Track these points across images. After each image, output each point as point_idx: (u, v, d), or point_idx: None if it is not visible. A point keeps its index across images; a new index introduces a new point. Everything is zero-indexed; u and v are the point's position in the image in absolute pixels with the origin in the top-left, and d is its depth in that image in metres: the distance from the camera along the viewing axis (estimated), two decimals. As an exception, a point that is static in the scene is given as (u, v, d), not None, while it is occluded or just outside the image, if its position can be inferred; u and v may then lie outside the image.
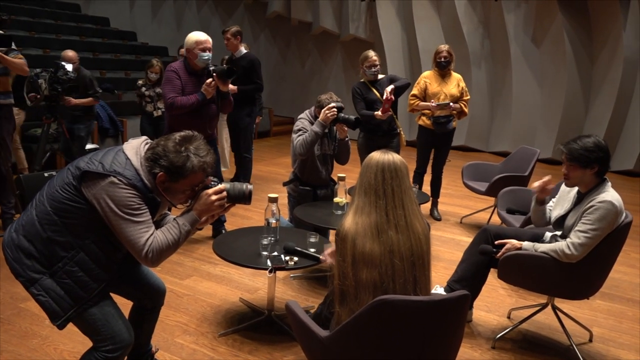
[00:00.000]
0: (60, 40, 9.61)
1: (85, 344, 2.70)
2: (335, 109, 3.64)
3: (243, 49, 5.30)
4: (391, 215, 1.84)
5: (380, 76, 4.73)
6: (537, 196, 3.02)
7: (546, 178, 2.99)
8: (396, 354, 1.72)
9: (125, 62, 10.07)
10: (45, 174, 4.96)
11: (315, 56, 11.24)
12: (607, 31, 8.22)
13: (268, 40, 11.73)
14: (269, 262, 2.76)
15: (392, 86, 4.46)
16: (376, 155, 1.93)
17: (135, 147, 1.96)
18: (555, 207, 2.97)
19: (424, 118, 5.14)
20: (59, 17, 11.09)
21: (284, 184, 4.01)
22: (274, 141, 10.03)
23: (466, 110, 5.04)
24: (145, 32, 12.06)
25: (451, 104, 4.89)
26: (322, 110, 3.65)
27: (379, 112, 4.48)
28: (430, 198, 5.33)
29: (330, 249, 2.47)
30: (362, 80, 4.78)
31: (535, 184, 3.01)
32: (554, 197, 3.10)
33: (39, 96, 5.22)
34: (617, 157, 8.24)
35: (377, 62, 4.64)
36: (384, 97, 4.43)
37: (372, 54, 4.67)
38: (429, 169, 5.31)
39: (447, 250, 4.47)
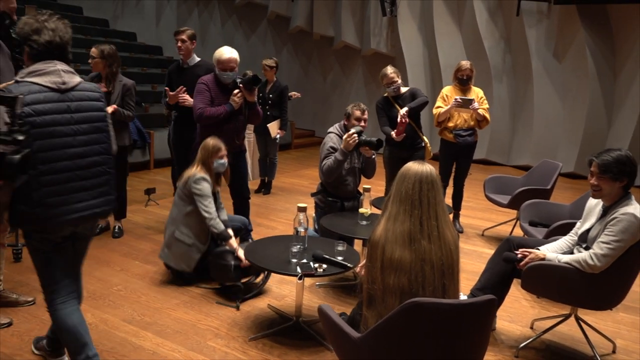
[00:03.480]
0: (90, 54, 9.90)
1: (123, 344, 2.85)
2: (355, 135, 3.74)
3: (196, 57, 4.78)
4: (425, 225, 1.93)
5: (403, 89, 4.84)
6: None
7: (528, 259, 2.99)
8: (426, 355, 1.81)
9: (152, 75, 10.34)
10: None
11: (336, 70, 11.39)
12: (630, 45, 8.23)
13: (290, 54, 11.92)
14: (298, 269, 2.87)
15: (406, 109, 4.58)
16: (414, 167, 2.02)
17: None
18: (584, 223, 3.02)
19: (445, 132, 5.23)
20: (89, 32, 11.45)
21: (312, 195, 4.13)
22: (296, 153, 10.17)
23: (487, 116, 5.11)
24: (170, 47, 12.34)
25: (475, 103, 4.95)
26: (344, 138, 3.76)
27: (394, 134, 4.60)
28: (452, 211, 5.40)
29: (364, 261, 2.58)
30: (385, 95, 4.90)
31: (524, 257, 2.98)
32: (579, 217, 3.15)
33: None
34: (640, 171, 8.19)
35: (396, 79, 4.74)
36: (398, 119, 4.54)
37: (389, 71, 4.76)
38: (450, 182, 5.39)
39: (469, 262, 4.52)
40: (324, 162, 3.88)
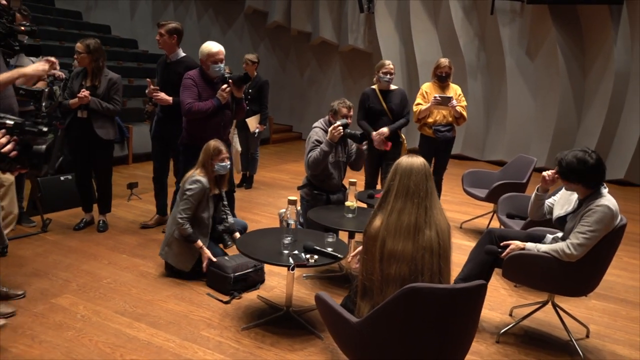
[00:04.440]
0: (63, 47, 9.77)
1: (117, 335, 2.89)
2: (340, 127, 3.85)
3: (181, 52, 4.68)
4: (429, 214, 2.05)
5: (392, 87, 4.99)
6: (542, 185, 3.24)
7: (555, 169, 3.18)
8: (422, 337, 1.92)
9: (128, 69, 10.23)
10: (62, 178, 5.13)
11: (314, 66, 11.46)
12: (599, 45, 8.54)
13: (268, 49, 11.93)
14: (290, 260, 2.95)
15: (386, 129, 4.78)
16: (416, 161, 2.14)
17: None
18: (557, 206, 3.21)
19: (425, 127, 5.37)
20: (62, 24, 11.27)
21: (298, 188, 4.21)
22: (274, 148, 10.23)
23: (465, 114, 5.28)
24: (145, 40, 12.24)
25: (454, 101, 5.11)
26: (329, 130, 3.87)
27: (374, 135, 4.78)
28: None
29: (355, 252, 2.69)
30: (373, 87, 5.03)
31: (548, 172, 3.16)
32: (555, 195, 3.33)
33: (53, 102, 5.39)
34: (608, 166, 8.33)
35: (393, 71, 4.96)
36: (379, 134, 4.74)
37: (388, 62, 5.00)
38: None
39: (449, 254, 4.67)
40: (309, 155, 3.97)
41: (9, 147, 1.78)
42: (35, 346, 2.77)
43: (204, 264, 3.58)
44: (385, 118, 4.93)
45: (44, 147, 1.90)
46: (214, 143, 3.73)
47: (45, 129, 1.94)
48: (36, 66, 2.92)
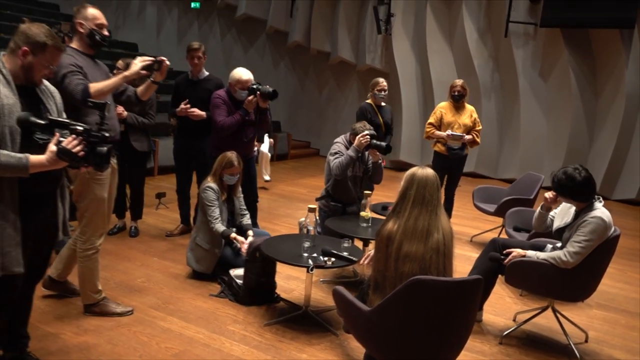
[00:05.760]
0: (95, 64, 10.23)
1: (152, 326, 3.18)
2: (368, 136, 4.16)
3: (205, 71, 5.06)
4: (438, 220, 2.38)
5: (382, 103, 5.57)
6: (545, 204, 3.51)
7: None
8: (425, 325, 2.19)
9: (155, 85, 10.66)
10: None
11: (332, 84, 11.83)
12: (611, 68, 8.78)
13: (288, 68, 12.35)
14: (310, 262, 3.25)
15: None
16: (429, 172, 2.46)
17: None
18: (557, 218, 3.47)
19: (439, 144, 5.66)
20: (93, 42, 11.80)
21: (317, 199, 4.51)
22: (292, 164, 10.58)
23: (478, 140, 5.57)
24: (171, 58, 12.61)
25: (465, 136, 5.41)
26: (357, 137, 4.18)
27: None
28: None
29: (368, 257, 2.99)
30: (368, 101, 5.52)
31: (549, 194, 3.47)
32: (556, 209, 3.60)
33: None
34: (619, 187, 8.72)
35: (386, 88, 5.51)
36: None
37: (382, 79, 5.55)
38: (442, 192, 5.82)
39: (459, 264, 4.82)
40: (333, 161, 4.25)
41: (78, 148, 2.17)
42: (81, 333, 3.09)
43: (243, 249, 3.85)
44: (380, 131, 5.32)
45: (105, 149, 2.27)
46: (229, 155, 4.05)
47: (107, 135, 2.30)
48: (132, 68, 3.24)
